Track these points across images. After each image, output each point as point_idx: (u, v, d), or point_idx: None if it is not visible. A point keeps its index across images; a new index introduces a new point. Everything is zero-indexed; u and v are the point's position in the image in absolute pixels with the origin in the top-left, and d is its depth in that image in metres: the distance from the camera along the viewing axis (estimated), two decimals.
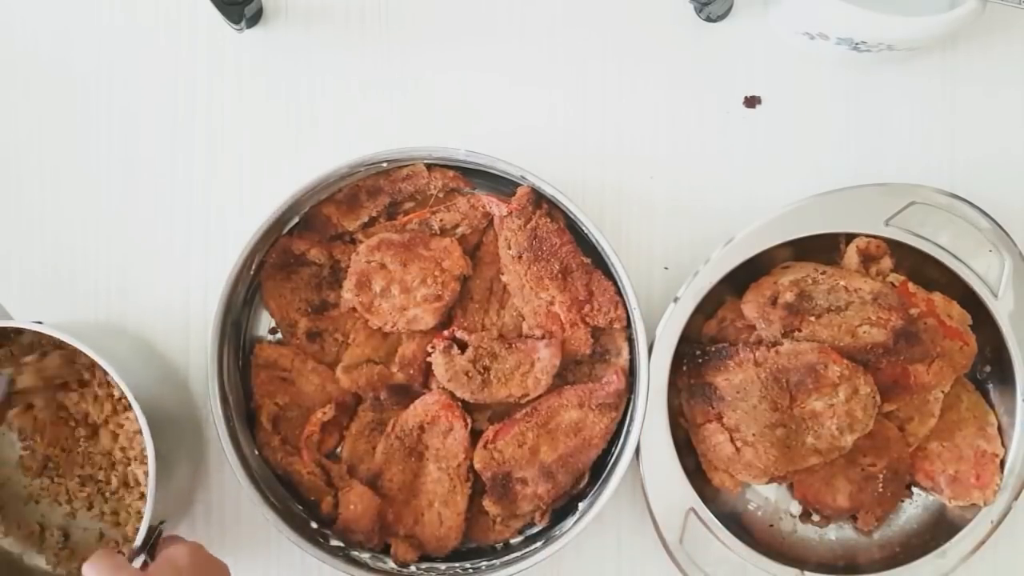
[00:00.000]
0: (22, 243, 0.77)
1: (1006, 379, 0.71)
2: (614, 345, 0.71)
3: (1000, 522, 0.69)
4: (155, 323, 0.76)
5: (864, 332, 0.68)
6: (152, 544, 0.64)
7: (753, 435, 0.67)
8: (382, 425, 0.72)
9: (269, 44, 0.77)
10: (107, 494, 0.73)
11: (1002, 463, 0.70)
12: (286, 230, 0.73)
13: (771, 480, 0.69)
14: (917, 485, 0.73)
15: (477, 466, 0.70)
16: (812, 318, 0.69)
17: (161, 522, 0.65)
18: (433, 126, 0.77)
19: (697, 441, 0.71)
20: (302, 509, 0.72)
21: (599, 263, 0.71)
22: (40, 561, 0.73)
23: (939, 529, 0.72)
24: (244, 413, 0.72)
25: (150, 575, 0.59)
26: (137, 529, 0.64)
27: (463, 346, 0.70)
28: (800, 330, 0.69)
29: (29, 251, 0.77)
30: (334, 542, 0.70)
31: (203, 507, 0.75)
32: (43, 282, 0.77)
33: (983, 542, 0.69)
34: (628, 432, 0.70)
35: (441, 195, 0.73)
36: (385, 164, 0.72)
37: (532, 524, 0.72)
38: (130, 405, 0.63)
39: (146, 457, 0.63)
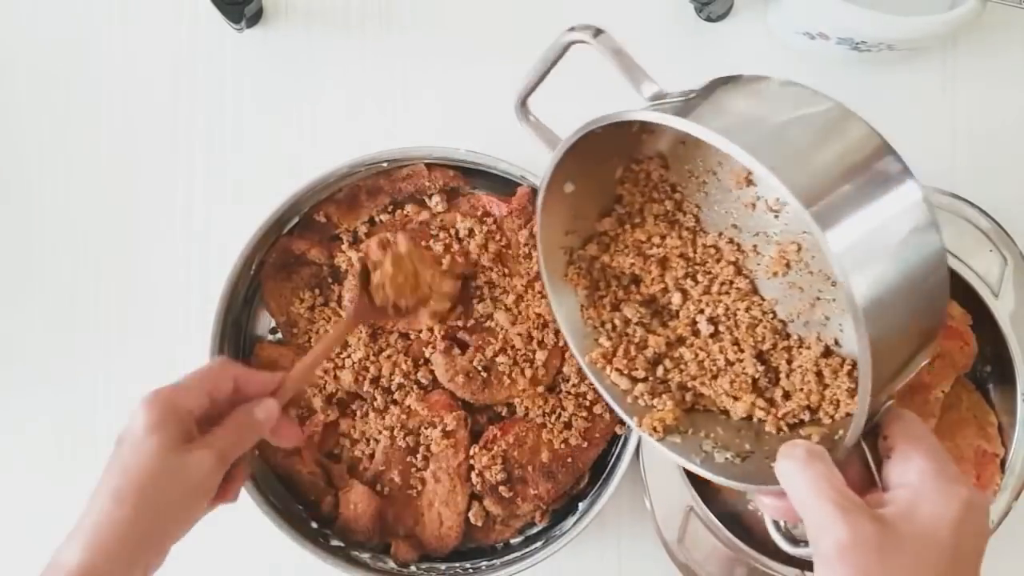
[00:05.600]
0: (21, 243, 0.77)
1: (1006, 379, 0.70)
2: None
3: (1000, 522, 0.69)
4: (155, 322, 0.76)
5: None
6: None
7: None
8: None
9: (269, 44, 0.77)
10: None
11: (1002, 463, 0.70)
12: (286, 230, 0.73)
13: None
14: None
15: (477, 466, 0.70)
16: None
17: None
18: (433, 126, 0.77)
19: None
20: (302, 509, 0.72)
21: None
22: None
23: None
24: None
25: None
26: None
27: (463, 346, 0.70)
28: None
29: (28, 250, 0.77)
30: (334, 542, 0.70)
31: None
32: (41, 280, 0.77)
33: None
34: (628, 432, 0.70)
35: (441, 195, 0.73)
36: (385, 164, 0.72)
37: (532, 524, 0.72)
38: None
39: None
